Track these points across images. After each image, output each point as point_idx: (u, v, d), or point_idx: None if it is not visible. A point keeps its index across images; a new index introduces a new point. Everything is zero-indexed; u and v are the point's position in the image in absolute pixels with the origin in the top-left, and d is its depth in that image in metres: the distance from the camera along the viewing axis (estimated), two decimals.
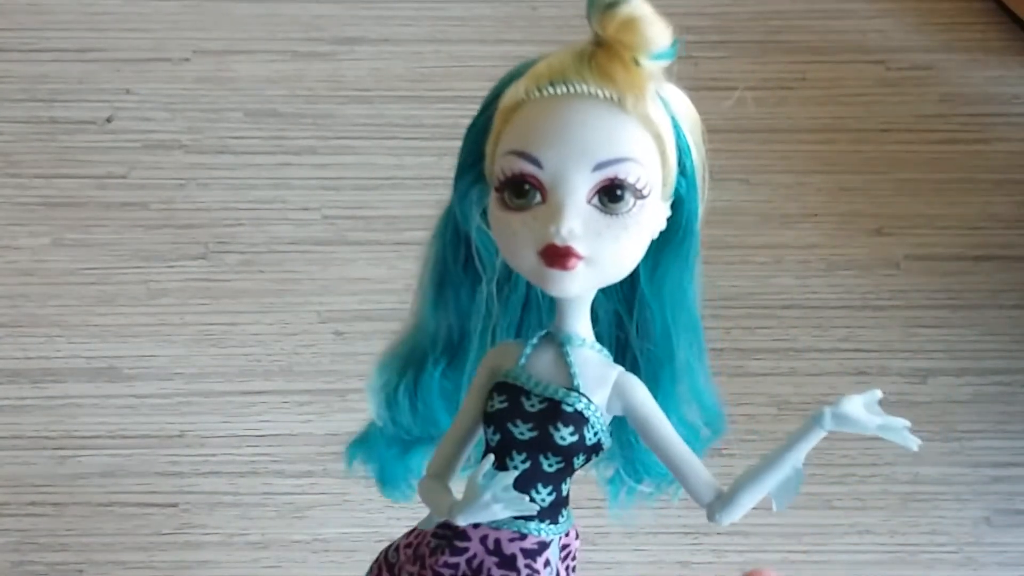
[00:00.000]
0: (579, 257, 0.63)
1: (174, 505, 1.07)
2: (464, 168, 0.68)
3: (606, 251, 0.63)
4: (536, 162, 0.63)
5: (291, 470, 1.09)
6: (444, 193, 1.34)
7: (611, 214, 0.63)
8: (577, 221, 0.63)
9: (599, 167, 0.62)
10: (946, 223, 1.28)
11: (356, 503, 1.07)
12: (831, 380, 1.16)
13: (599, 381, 0.68)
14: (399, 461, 0.76)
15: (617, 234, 0.63)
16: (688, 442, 0.70)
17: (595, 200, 0.63)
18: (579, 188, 0.63)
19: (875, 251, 1.26)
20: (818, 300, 1.22)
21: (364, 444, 0.77)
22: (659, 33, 0.62)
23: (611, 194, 0.63)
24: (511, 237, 0.64)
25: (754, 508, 1.06)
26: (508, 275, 0.70)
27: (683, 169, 0.66)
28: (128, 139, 1.33)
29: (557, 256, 0.63)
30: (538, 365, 0.68)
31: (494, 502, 0.65)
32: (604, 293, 0.70)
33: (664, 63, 0.63)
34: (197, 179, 1.30)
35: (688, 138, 0.66)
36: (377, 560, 0.77)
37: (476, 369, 0.71)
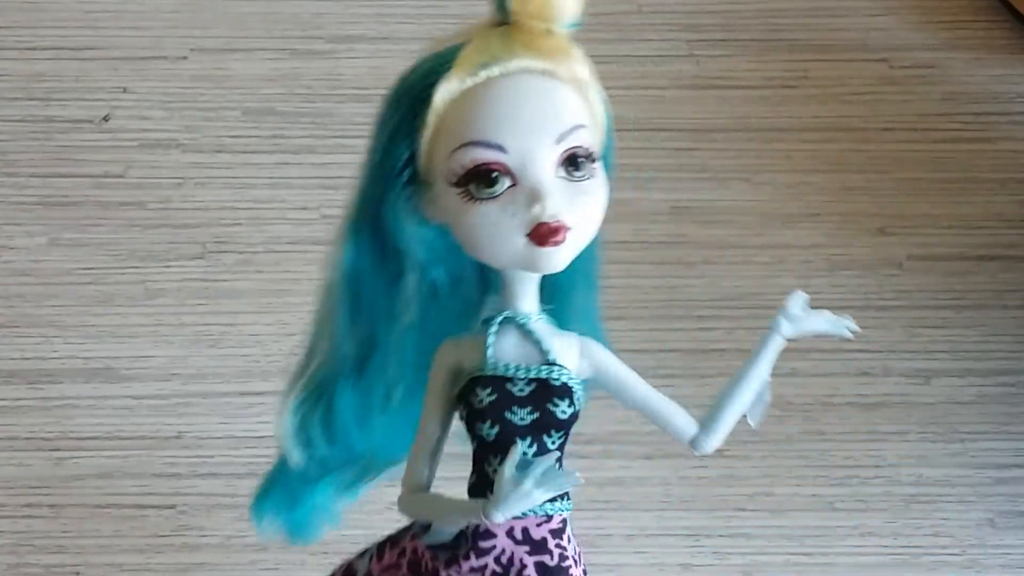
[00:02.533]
0: (568, 229, 0.63)
1: (172, 507, 1.07)
2: (387, 176, 0.66)
3: (582, 217, 0.64)
4: (499, 147, 0.63)
5: None
6: None
7: (577, 181, 0.64)
8: (556, 195, 0.63)
9: (560, 139, 0.63)
10: (949, 223, 1.28)
11: (354, 505, 1.06)
12: (834, 381, 1.15)
13: (566, 349, 0.68)
14: (307, 503, 0.75)
15: (586, 200, 0.64)
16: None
17: (561, 172, 0.64)
18: (547, 163, 0.63)
19: (878, 251, 1.26)
20: (820, 300, 1.19)
21: (268, 498, 0.76)
22: (569, 2, 0.64)
23: (574, 162, 0.64)
24: (490, 228, 0.64)
25: (756, 510, 1.07)
26: (426, 268, 0.69)
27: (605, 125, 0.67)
28: (125, 138, 1.33)
29: (549, 234, 0.63)
30: (507, 350, 0.68)
31: (537, 487, 0.65)
32: None
33: (574, 30, 0.65)
34: (194, 178, 1.29)
35: (601, 94, 0.67)
36: None
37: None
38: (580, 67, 0.65)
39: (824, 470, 1.09)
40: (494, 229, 0.64)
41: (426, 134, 0.64)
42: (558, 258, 0.64)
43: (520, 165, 0.63)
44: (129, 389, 1.14)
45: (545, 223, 0.63)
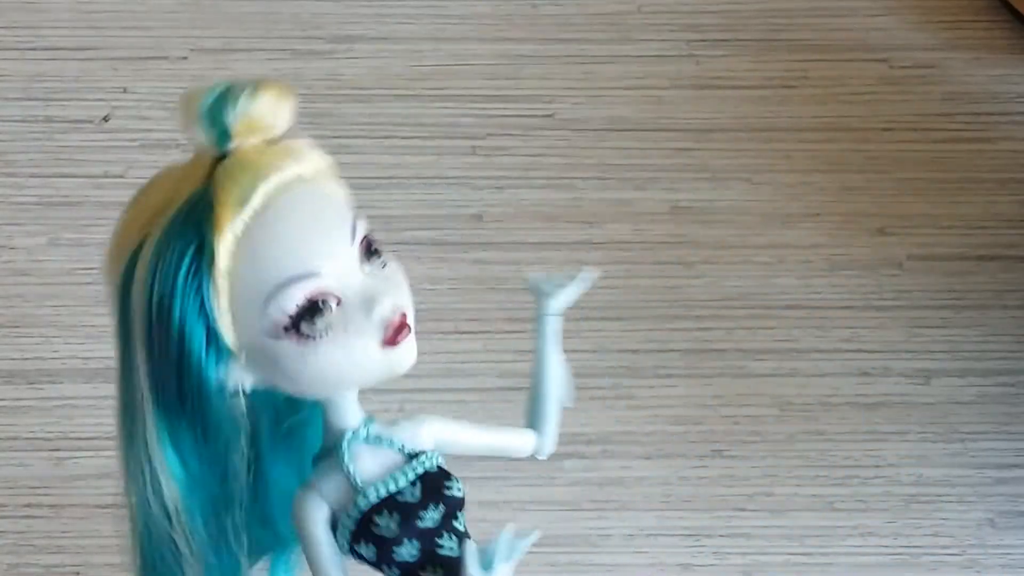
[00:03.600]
0: (405, 313, 0.61)
1: None
2: (182, 364, 0.59)
3: (405, 296, 0.61)
4: (314, 274, 0.58)
5: None
6: (444, 192, 1.34)
7: (381, 265, 0.61)
8: (381, 290, 0.60)
9: (352, 235, 0.60)
10: (949, 223, 1.28)
11: None
12: (833, 381, 1.15)
13: (413, 437, 0.66)
14: None
15: (397, 277, 0.62)
16: None
17: (367, 267, 0.61)
18: (355, 264, 0.60)
19: (878, 251, 1.25)
20: (820, 300, 1.22)
21: None
22: (281, 112, 0.60)
23: (370, 250, 0.61)
24: (342, 357, 0.59)
25: (756, 510, 1.06)
26: (256, 435, 0.65)
27: None
28: (125, 138, 1.33)
29: (400, 330, 0.60)
30: (370, 467, 0.64)
31: (509, 567, 0.62)
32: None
33: (289, 131, 0.61)
34: None
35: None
36: None
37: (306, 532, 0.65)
38: (316, 157, 0.61)
39: (824, 470, 1.09)
40: (347, 356, 0.59)
41: (221, 301, 0.58)
42: (413, 349, 0.61)
43: (337, 280, 0.59)
44: None
45: (391, 320, 0.59)
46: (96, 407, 1.12)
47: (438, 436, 0.67)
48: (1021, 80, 1.41)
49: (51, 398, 1.13)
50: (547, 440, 0.71)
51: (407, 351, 0.61)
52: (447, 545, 0.64)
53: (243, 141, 0.59)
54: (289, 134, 0.61)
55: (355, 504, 0.64)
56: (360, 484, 0.64)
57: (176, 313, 0.58)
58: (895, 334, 1.19)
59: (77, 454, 1.09)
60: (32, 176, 1.29)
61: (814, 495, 1.08)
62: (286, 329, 0.58)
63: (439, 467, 0.66)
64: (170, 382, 0.60)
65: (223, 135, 0.59)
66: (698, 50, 1.40)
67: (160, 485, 0.62)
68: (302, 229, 0.58)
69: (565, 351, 0.73)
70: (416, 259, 1.22)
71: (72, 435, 1.11)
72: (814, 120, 1.36)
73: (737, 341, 1.18)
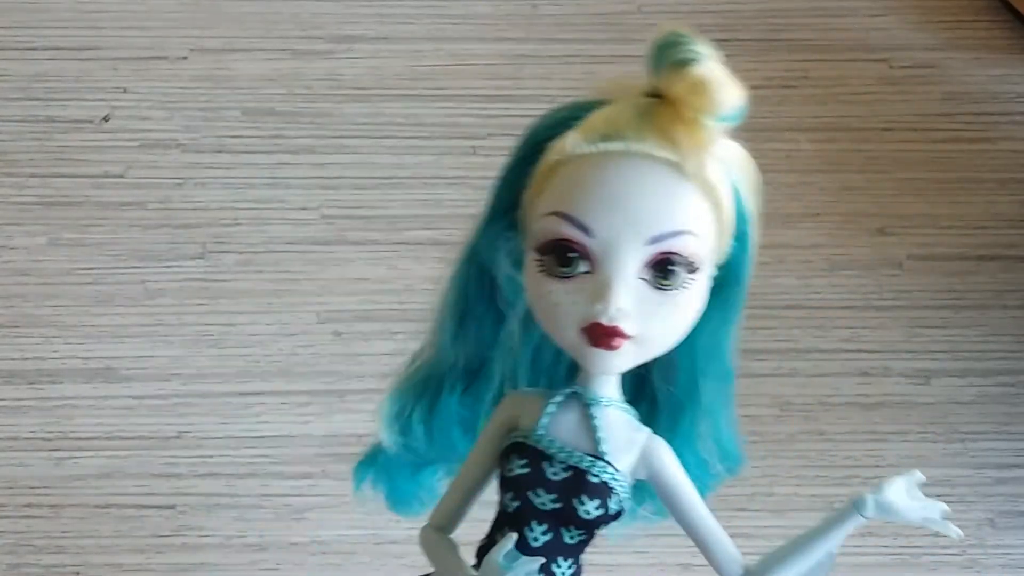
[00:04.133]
0: (626, 337, 0.59)
1: (172, 507, 1.07)
2: (495, 214, 0.63)
3: (655, 330, 0.59)
4: (586, 229, 0.58)
5: (290, 472, 1.09)
6: (444, 192, 1.34)
7: (662, 289, 0.58)
8: (627, 298, 0.58)
9: (654, 240, 0.58)
10: (949, 223, 1.28)
11: (355, 504, 1.06)
12: (834, 381, 1.15)
13: (626, 446, 0.64)
14: (410, 480, 0.73)
15: (667, 311, 0.59)
16: (700, 477, 0.67)
17: (646, 275, 0.58)
18: (630, 262, 0.58)
19: (878, 251, 1.26)
20: (820, 300, 1.22)
21: (371, 465, 0.73)
22: (732, 96, 0.58)
23: (663, 269, 0.58)
24: (552, 308, 0.59)
25: (756, 510, 1.06)
26: (532, 315, 0.65)
27: (739, 235, 0.62)
28: (125, 138, 1.33)
29: (603, 336, 0.58)
30: (561, 426, 0.63)
31: None
32: None
33: (730, 125, 0.59)
34: (195, 178, 1.29)
35: (747, 203, 0.61)
36: None
37: (491, 411, 0.67)
38: (714, 169, 0.59)
39: (824, 470, 1.09)
40: (555, 310, 0.59)
41: (531, 188, 0.60)
42: (612, 363, 0.60)
43: (603, 253, 0.58)
44: (129, 389, 1.14)
45: (599, 323, 0.58)
46: (96, 407, 1.12)
47: (657, 472, 0.65)
48: (1021, 80, 1.41)
49: (51, 398, 1.13)
50: None
51: (600, 359, 0.60)
52: (537, 533, 0.64)
53: (671, 98, 0.58)
54: (719, 131, 0.59)
55: (524, 428, 0.64)
56: (540, 423, 0.63)
57: (510, 163, 0.62)
58: (895, 334, 1.19)
59: (77, 454, 1.10)
60: (32, 176, 1.29)
61: (814, 495, 1.08)
62: (538, 249, 0.59)
63: (602, 482, 0.63)
64: (482, 221, 0.64)
65: (657, 76, 0.58)
66: None
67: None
68: (616, 195, 0.57)
69: None
70: (416, 259, 1.22)
71: (72, 435, 1.11)
72: (814, 120, 1.36)
73: (736, 341, 1.18)
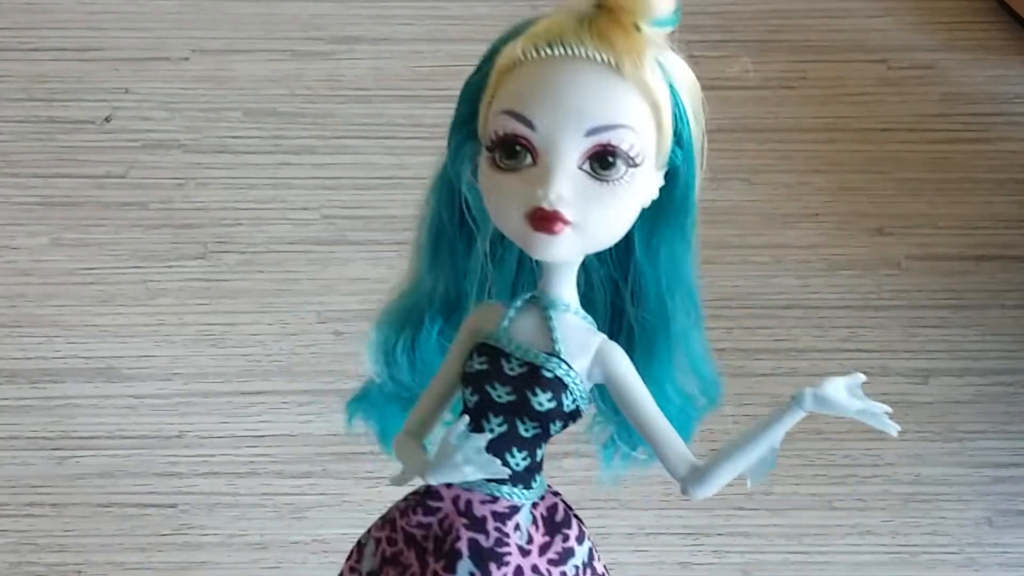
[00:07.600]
0: (566, 222, 0.62)
1: (173, 506, 1.07)
2: (458, 125, 0.67)
3: (594, 217, 0.63)
4: (529, 123, 0.62)
5: (290, 471, 1.09)
6: None
7: (602, 180, 0.63)
8: (566, 186, 0.62)
9: (592, 132, 0.62)
10: (948, 223, 1.28)
11: (355, 503, 1.07)
12: None
13: (581, 348, 0.67)
14: (400, 416, 0.75)
15: (607, 201, 0.63)
16: (684, 411, 0.71)
17: (586, 166, 0.62)
18: (571, 152, 0.62)
19: (876, 251, 1.26)
20: (819, 300, 1.22)
21: (363, 401, 0.77)
22: (664, 1, 0.62)
23: (603, 160, 0.62)
24: (498, 197, 0.64)
25: (755, 509, 1.07)
26: (502, 235, 0.69)
27: (679, 139, 0.65)
28: (127, 139, 1.33)
29: (543, 220, 0.62)
30: (520, 328, 0.68)
31: (465, 464, 0.65)
32: (599, 259, 0.69)
33: (665, 30, 0.63)
34: (196, 179, 1.30)
35: (686, 107, 0.65)
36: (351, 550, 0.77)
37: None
38: (652, 71, 0.63)
39: (823, 469, 1.09)
40: (501, 198, 0.64)
41: (485, 95, 0.64)
42: (553, 248, 0.64)
43: (544, 146, 0.62)
44: (131, 389, 1.14)
45: (541, 208, 0.62)
46: (97, 406, 1.13)
47: (611, 373, 0.68)
48: (1019, 81, 1.41)
49: (53, 397, 1.13)
50: (701, 488, 0.68)
51: (542, 243, 0.63)
52: (493, 424, 0.68)
53: (611, 5, 0.62)
54: (661, 39, 0.63)
55: (486, 333, 0.68)
56: (501, 326, 0.68)
57: (473, 80, 0.66)
58: (893, 334, 1.19)
59: (79, 453, 1.10)
60: (34, 176, 1.30)
61: (813, 494, 1.08)
62: (489, 147, 0.64)
63: (556, 377, 0.67)
64: (448, 141, 0.68)
65: None
66: (697, 51, 1.39)
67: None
68: (558, 92, 0.62)
69: None
70: None
71: (74, 434, 1.11)
72: (813, 121, 1.36)
73: (736, 340, 1.18)
